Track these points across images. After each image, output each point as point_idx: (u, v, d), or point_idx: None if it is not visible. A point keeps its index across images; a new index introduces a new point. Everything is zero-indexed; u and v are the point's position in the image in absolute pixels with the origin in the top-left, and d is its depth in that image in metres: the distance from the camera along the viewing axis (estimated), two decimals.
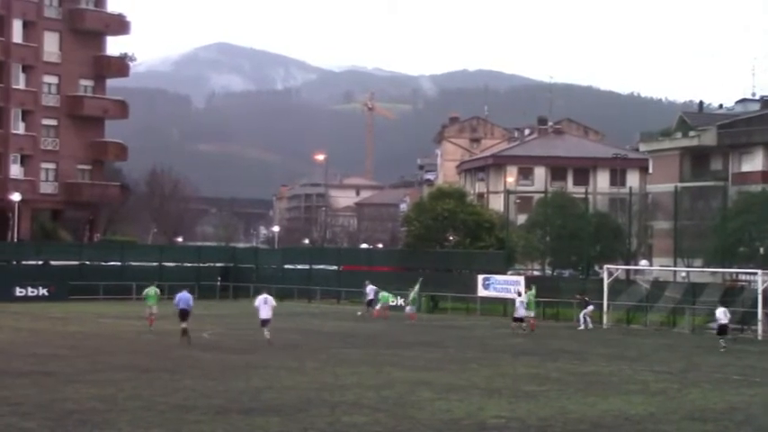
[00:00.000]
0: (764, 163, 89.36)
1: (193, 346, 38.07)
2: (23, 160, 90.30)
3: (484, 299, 63.47)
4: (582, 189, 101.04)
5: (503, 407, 24.35)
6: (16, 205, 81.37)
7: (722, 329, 43.00)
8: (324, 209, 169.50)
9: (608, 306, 54.97)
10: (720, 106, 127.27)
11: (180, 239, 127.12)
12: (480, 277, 64.33)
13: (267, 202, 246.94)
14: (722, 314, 43.33)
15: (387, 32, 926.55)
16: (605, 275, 56.38)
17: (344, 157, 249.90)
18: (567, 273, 76.27)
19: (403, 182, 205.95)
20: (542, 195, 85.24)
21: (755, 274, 51.52)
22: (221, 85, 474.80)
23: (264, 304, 39.15)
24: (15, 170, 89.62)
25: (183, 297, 40.78)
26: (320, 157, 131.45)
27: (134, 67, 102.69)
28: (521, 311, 49.08)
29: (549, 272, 75.28)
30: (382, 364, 33.79)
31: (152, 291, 45.63)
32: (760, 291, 50.01)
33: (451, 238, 75.42)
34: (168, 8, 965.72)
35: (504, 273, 66.91)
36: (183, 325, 39.71)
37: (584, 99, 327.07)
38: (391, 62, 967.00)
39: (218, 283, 75.55)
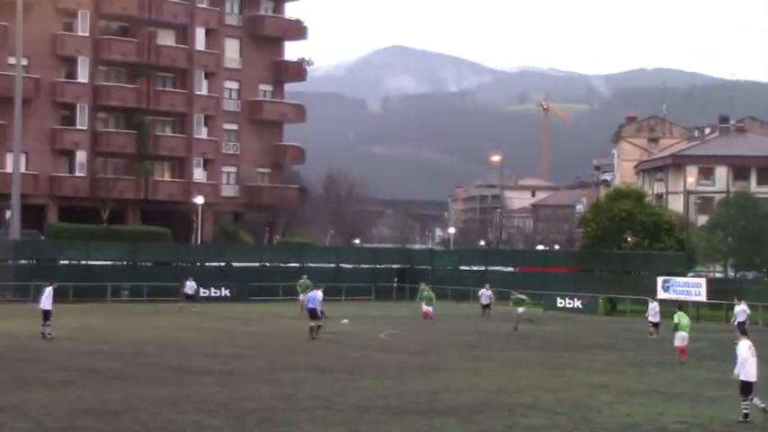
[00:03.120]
0: None
1: (370, 347, 38.43)
2: (206, 164, 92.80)
3: (663, 301, 62.21)
4: (766, 189, 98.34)
5: (684, 411, 23.90)
6: (200, 208, 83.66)
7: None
8: (499, 210, 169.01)
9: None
10: None
11: (357, 241, 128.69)
12: (660, 279, 63.07)
13: (442, 203, 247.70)
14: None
15: (562, 32, 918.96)
16: None
17: (519, 158, 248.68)
18: (750, 275, 74.12)
19: (579, 183, 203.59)
20: (724, 196, 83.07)
21: None
22: (396, 88, 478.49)
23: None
24: (198, 174, 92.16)
25: (311, 297, 41.73)
26: (495, 159, 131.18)
27: (311, 72, 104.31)
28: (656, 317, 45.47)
29: (731, 274, 73.34)
30: (559, 366, 33.50)
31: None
32: None
33: (629, 239, 74.18)
34: (343, 13, 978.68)
35: (684, 275, 65.47)
36: (312, 323, 40.60)
37: (765, 96, 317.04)
38: (566, 62, 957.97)
39: (395, 285, 76.11)
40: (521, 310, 49.76)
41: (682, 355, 35.22)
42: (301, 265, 75.24)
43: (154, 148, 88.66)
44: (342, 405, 23.87)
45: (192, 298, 60.63)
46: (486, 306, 56.14)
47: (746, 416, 22.47)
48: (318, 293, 42.34)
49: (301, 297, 53.08)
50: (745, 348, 22.88)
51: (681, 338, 35.36)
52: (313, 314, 41.32)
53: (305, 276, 58.95)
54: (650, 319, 45.35)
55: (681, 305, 39.17)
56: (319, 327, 41.18)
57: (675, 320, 35.57)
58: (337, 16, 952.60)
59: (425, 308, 51.72)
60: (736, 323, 44.02)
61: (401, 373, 30.52)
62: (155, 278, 68.29)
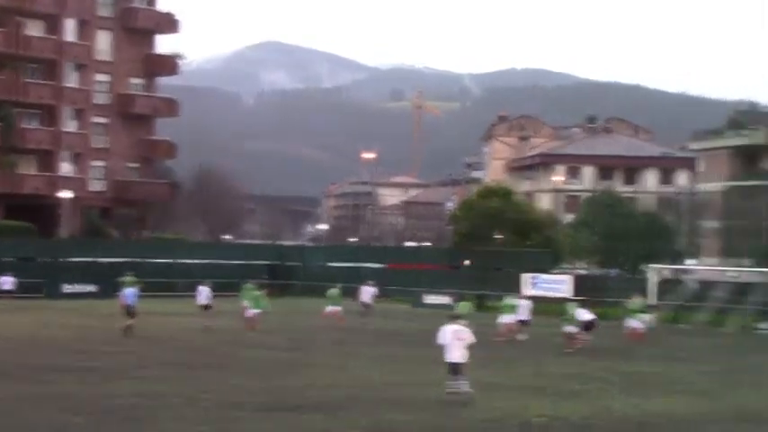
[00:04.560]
0: None
1: (238, 343, 38.26)
2: (74, 158, 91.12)
3: (530, 298, 63.23)
4: (630, 188, 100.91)
5: (546, 405, 24.35)
6: (65, 203, 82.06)
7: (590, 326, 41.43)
8: (371, 207, 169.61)
9: (656, 306, 54.61)
10: None
11: (228, 237, 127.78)
12: (527, 276, 64.12)
13: (315, 200, 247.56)
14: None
15: (435, 30, 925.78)
16: (653, 275, 56.05)
17: (392, 155, 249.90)
18: (614, 272, 75.95)
19: (450, 180, 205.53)
20: (590, 194, 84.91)
21: None
22: (270, 83, 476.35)
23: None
24: (66, 168, 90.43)
25: (129, 293, 41.60)
26: (368, 155, 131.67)
27: (184, 66, 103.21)
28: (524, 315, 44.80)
29: (596, 271, 75.00)
30: (426, 362, 33.77)
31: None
32: None
33: (498, 236, 75.27)
34: (216, 7, 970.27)
35: (550, 272, 66.71)
36: (127, 321, 40.30)
37: (632, 98, 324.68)
38: (440, 60, 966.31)
39: (266, 281, 75.69)
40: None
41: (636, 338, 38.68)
42: (171, 261, 74.49)
43: (20, 141, 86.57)
44: (209, 402, 23.71)
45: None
46: (368, 304, 53.51)
47: (454, 394, 23.97)
48: (134, 290, 42.01)
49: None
50: (450, 333, 24.28)
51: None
52: (129, 311, 40.94)
53: (130, 274, 56.28)
54: (520, 317, 44.70)
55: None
56: (130, 326, 40.52)
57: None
58: (210, 10, 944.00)
59: (331, 308, 48.53)
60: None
61: (270, 370, 30.47)
62: (18, 274, 66.69)
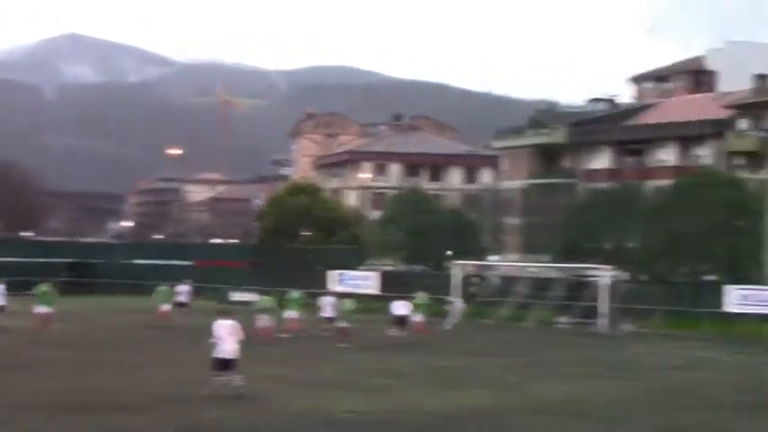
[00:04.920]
0: (612, 161, 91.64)
1: (34, 343, 37.00)
2: None
3: (336, 294, 63.50)
4: (436, 185, 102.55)
5: (354, 401, 24.47)
6: None
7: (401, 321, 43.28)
8: (177, 203, 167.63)
9: (459, 301, 55.58)
10: (570, 105, 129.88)
11: (29, 234, 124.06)
12: (334, 273, 64.38)
13: (119, 196, 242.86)
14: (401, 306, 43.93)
15: (244, 27, 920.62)
16: (457, 271, 57.00)
17: (200, 151, 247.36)
18: (419, 268, 76.97)
19: (258, 177, 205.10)
20: (397, 191, 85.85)
21: (600, 269, 52.82)
22: (72, 77, 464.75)
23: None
24: None
25: None
26: (175, 151, 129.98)
27: None
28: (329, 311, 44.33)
29: (402, 267, 75.84)
30: (242, 359, 33.53)
31: None
32: (604, 286, 51.35)
33: (306, 233, 75.39)
34: None
35: (357, 268, 67.16)
36: None
37: (438, 96, 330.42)
38: (249, 57, 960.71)
39: (62, 279, 73.57)
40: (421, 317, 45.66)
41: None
42: None
43: None
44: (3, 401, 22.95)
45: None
46: (183, 304, 51.49)
47: (220, 390, 24.11)
48: None
49: None
50: (222, 328, 24.56)
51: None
52: None
53: None
54: (325, 314, 44.57)
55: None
56: None
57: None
58: (9, 0, 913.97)
59: (291, 314, 44.69)
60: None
61: (65, 370, 29.63)
62: None
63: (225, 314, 25.39)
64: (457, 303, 53.78)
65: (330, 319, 44.32)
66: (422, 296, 46.56)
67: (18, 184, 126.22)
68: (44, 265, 69.61)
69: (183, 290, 53.06)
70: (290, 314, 44.04)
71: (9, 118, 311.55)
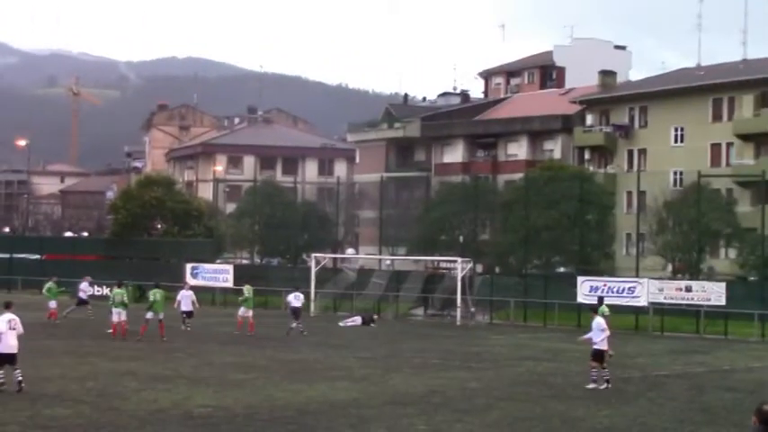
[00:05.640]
0: (464, 154, 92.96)
1: None
2: None
3: (192, 288, 63.02)
4: (291, 178, 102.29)
5: (209, 396, 24.34)
6: None
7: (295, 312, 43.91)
8: (26, 196, 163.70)
9: (315, 294, 55.76)
10: (424, 99, 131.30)
11: None
12: (189, 266, 63.88)
13: None
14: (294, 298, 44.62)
15: (93, 16, 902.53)
16: (313, 264, 57.16)
17: (48, 143, 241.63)
18: (276, 261, 76.89)
19: (110, 169, 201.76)
20: (251, 184, 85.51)
21: (455, 261, 53.60)
22: None
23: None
24: None
25: None
26: (21, 143, 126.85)
27: None
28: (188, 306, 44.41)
29: (258, 260, 75.64)
30: (86, 354, 33.07)
31: None
32: (459, 278, 52.13)
33: (159, 226, 74.58)
34: None
35: (213, 261, 66.73)
36: None
37: (293, 89, 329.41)
38: (98, 47, 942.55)
39: None
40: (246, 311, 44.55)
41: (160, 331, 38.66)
42: None
43: None
44: None
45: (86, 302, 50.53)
46: (84, 302, 49.85)
47: (2, 384, 24.12)
48: None
49: None
50: (4, 322, 24.47)
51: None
52: None
53: None
54: (182, 308, 44.44)
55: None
56: None
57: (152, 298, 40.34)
58: None
59: (247, 312, 44.07)
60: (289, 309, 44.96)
61: None
62: None
63: (7, 307, 25.19)
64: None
65: (188, 314, 44.01)
66: (248, 289, 46.20)
67: None
68: None
69: (85, 286, 51.65)
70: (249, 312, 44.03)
71: None
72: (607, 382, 27.26)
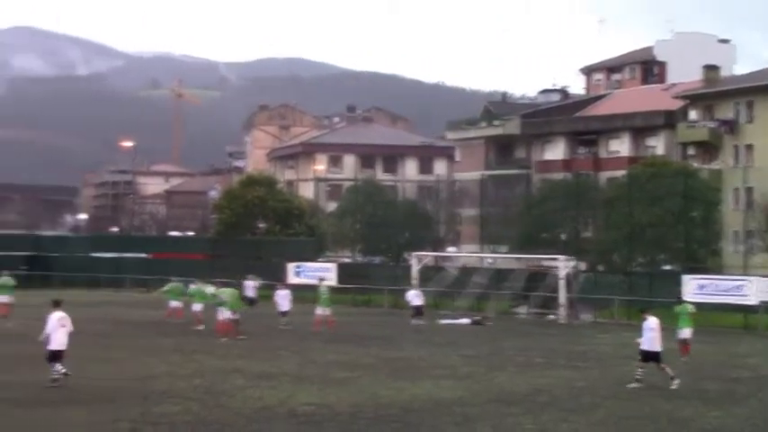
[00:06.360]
0: (565, 152, 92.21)
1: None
2: None
3: (295, 286, 63.49)
4: (391, 177, 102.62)
5: (313, 394, 24.48)
6: None
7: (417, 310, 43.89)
8: (132, 196, 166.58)
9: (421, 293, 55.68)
10: (522, 96, 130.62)
11: None
12: (291, 265, 64.33)
13: (73, 189, 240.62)
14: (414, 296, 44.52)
15: (196, 18, 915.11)
16: (414, 262, 57.16)
17: (152, 144, 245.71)
18: (377, 260, 77.10)
19: (213, 169, 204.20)
20: (352, 183, 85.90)
21: (557, 259, 53.14)
22: (23, 70, 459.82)
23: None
24: None
25: None
26: (127, 144, 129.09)
27: None
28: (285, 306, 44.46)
29: (359, 259, 75.94)
30: (194, 352, 33.53)
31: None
32: (562, 276, 51.67)
33: (262, 225, 75.29)
34: None
35: (315, 260, 67.13)
36: None
37: (390, 88, 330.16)
38: (199, 49, 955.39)
39: (19, 273, 72.98)
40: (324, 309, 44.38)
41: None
42: None
43: None
44: None
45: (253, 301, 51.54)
46: (253, 299, 49.74)
47: (56, 380, 24.51)
48: None
49: None
50: (54, 320, 24.97)
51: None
52: None
53: None
54: (279, 308, 44.65)
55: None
56: None
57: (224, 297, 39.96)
58: None
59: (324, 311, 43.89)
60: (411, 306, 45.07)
61: (26, 364, 29.43)
62: None
63: (57, 305, 25.54)
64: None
65: (284, 313, 44.19)
66: (324, 287, 46.27)
67: None
68: (0, 259, 69.05)
69: (251, 285, 52.49)
70: (196, 306, 44.08)
71: None
72: (638, 381, 26.77)
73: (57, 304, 25.48)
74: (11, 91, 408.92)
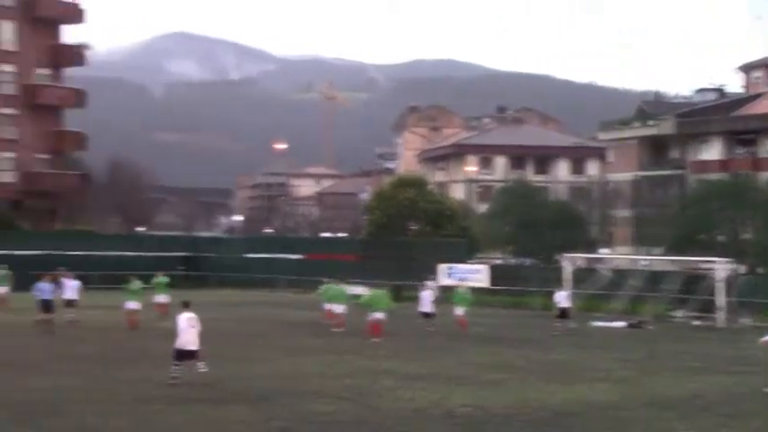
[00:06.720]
0: (722, 152, 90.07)
1: (152, 336, 37.62)
2: None
3: (446, 288, 63.50)
4: (542, 178, 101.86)
5: (465, 395, 24.41)
6: None
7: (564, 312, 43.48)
8: (284, 198, 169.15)
9: (571, 295, 55.09)
10: (676, 96, 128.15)
11: (142, 229, 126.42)
12: (443, 266, 64.34)
13: (227, 191, 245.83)
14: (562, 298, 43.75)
15: (345, 21, 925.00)
16: (566, 264, 56.56)
17: (303, 146, 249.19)
18: (528, 261, 76.59)
19: (363, 171, 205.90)
20: (503, 184, 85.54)
21: (715, 262, 51.89)
22: (178, 74, 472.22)
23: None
24: None
25: (44, 287, 40.55)
26: (280, 146, 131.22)
27: (89, 57, 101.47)
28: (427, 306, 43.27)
29: (511, 260, 75.58)
30: (345, 352, 33.80)
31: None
32: (720, 279, 50.43)
33: (413, 227, 75.48)
34: None
35: (466, 261, 67.00)
36: (40, 317, 39.68)
37: (540, 88, 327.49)
38: (350, 51, 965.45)
39: (176, 273, 74.76)
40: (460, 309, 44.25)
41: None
42: (83, 252, 73.35)
43: None
44: (125, 395, 23.44)
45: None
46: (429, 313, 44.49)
47: (175, 378, 25.14)
48: (50, 285, 40.94)
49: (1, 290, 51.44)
50: (183, 320, 25.41)
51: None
52: (45, 306, 40.04)
53: (3, 267, 54.86)
54: (422, 309, 43.71)
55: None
56: (49, 320, 39.67)
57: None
58: (114, 0, 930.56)
59: (331, 307, 43.34)
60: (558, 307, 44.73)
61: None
62: None
63: (186, 306, 26.00)
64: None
65: (427, 314, 43.69)
66: (464, 289, 45.73)
67: (130, 180, 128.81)
68: (159, 259, 70.87)
69: (429, 294, 45.90)
70: (336, 307, 43.04)
71: (120, 117, 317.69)
72: None
73: (186, 305, 26.10)
74: (168, 95, 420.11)
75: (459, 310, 43.88)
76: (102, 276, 64.33)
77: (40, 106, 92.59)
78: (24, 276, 54.71)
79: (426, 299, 43.93)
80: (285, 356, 32.62)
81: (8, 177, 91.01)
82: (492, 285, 61.00)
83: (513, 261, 75.53)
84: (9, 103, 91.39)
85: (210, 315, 48.18)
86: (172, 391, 24.17)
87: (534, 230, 73.18)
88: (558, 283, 53.50)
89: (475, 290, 58.54)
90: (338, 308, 42.97)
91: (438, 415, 21.76)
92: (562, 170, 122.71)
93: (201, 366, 25.24)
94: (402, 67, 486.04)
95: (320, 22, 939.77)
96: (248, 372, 28.24)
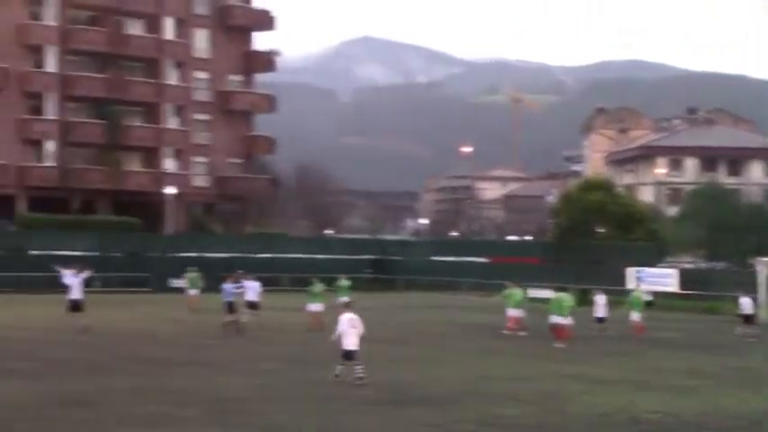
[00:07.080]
0: None
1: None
2: (176, 154, 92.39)
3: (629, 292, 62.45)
4: (735, 180, 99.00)
5: (654, 401, 23.92)
6: (170, 199, 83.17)
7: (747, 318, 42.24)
8: (470, 201, 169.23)
9: (765, 300, 53.43)
10: None
11: (330, 232, 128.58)
12: (632, 270, 63.25)
13: (413, 194, 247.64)
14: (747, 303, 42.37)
15: (526, 24, 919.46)
16: (761, 269, 54.83)
17: (489, 149, 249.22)
18: (720, 265, 74.59)
19: (549, 174, 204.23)
20: (694, 187, 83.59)
21: None
22: (365, 79, 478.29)
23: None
24: (169, 164, 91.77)
25: (229, 289, 40.95)
26: (466, 149, 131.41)
27: (279, 63, 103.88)
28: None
29: (702, 264, 73.79)
30: (531, 356, 33.57)
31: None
32: None
33: (601, 230, 74.47)
34: (311, 3, 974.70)
35: (656, 265, 65.71)
36: (228, 318, 40.20)
37: (733, 89, 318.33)
38: (535, 54, 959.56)
39: (364, 276, 75.78)
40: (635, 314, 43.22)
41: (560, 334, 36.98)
42: (273, 255, 75.05)
43: (124, 139, 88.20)
44: (309, 395, 23.80)
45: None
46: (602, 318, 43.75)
47: (338, 375, 25.53)
48: (232, 286, 41.62)
49: (192, 291, 53.07)
50: (345, 321, 25.52)
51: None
52: (231, 308, 40.82)
53: (194, 269, 56.12)
54: (597, 314, 43.07)
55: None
56: (235, 321, 40.29)
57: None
58: (305, 6, 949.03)
59: (513, 312, 42.61)
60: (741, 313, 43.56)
61: (375, 364, 30.36)
62: (124, 268, 67.96)
63: (347, 307, 26.18)
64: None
65: (601, 320, 42.98)
66: (637, 294, 44.43)
67: (318, 184, 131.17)
68: (348, 262, 72.03)
69: (602, 301, 44.96)
70: (512, 312, 42.55)
71: (308, 121, 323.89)
72: None
73: (347, 306, 26.47)
74: (355, 99, 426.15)
75: (635, 315, 42.96)
76: (291, 279, 65.71)
77: (233, 112, 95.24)
78: (214, 279, 56.41)
79: (600, 303, 43.47)
80: (469, 359, 32.61)
81: (202, 181, 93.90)
82: (682, 290, 59.63)
83: (703, 265, 73.60)
84: (203, 108, 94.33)
85: (396, 318, 48.67)
86: (354, 391, 24.41)
87: (726, 234, 71.22)
88: (752, 287, 51.95)
89: (665, 294, 57.42)
90: (517, 312, 42.59)
91: (624, 420, 21.38)
92: (756, 172, 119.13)
93: (359, 370, 25.40)
94: (589, 69, 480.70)
95: (504, 24, 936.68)
96: (431, 374, 28.32)
